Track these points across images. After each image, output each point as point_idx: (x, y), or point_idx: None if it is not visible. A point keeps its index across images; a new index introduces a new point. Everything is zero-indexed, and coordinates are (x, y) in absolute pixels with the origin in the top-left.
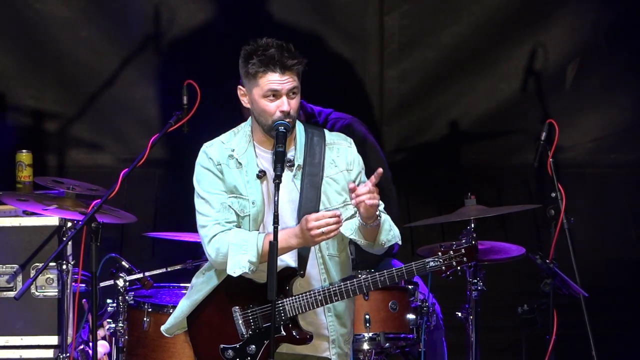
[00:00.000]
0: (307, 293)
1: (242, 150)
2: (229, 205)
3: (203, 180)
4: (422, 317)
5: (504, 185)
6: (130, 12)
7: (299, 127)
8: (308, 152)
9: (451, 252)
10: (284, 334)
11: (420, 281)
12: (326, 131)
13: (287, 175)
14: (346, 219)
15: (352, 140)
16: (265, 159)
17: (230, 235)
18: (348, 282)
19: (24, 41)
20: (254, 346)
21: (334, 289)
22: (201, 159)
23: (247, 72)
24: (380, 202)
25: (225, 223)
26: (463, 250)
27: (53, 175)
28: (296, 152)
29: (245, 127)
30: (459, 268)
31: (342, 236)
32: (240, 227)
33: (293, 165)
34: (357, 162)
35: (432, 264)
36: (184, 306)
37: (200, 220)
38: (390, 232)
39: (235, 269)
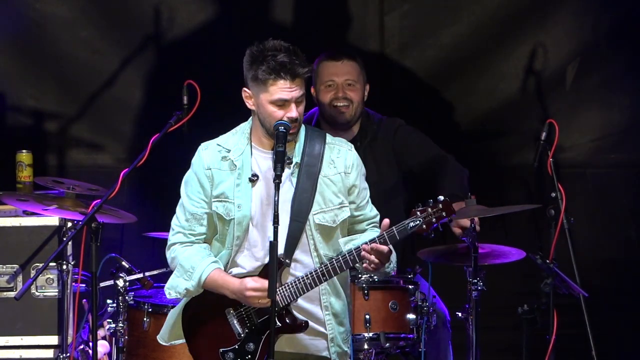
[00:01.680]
0: (296, 279)
1: (238, 152)
2: (201, 215)
3: (188, 182)
4: (422, 317)
5: (504, 185)
6: (130, 12)
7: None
8: (307, 151)
9: (429, 209)
10: (279, 324)
11: (422, 280)
12: (327, 134)
13: (284, 173)
14: (342, 220)
15: (352, 146)
16: (264, 159)
17: (185, 254)
18: (334, 259)
19: (24, 41)
20: (252, 344)
21: (320, 269)
22: (194, 161)
23: (256, 77)
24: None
25: (189, 235)
26: (440, 206)
27: (53, 175)
28: (295, 150)
29: (244, 127)
30: (439, 223)
31: (332, 235)
32: (226, 231)
33: (291, 163)
34: (355, 166)
35: (412, 224)
36: (173, 312)
37: (173, 220)
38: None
39: (170, 291)
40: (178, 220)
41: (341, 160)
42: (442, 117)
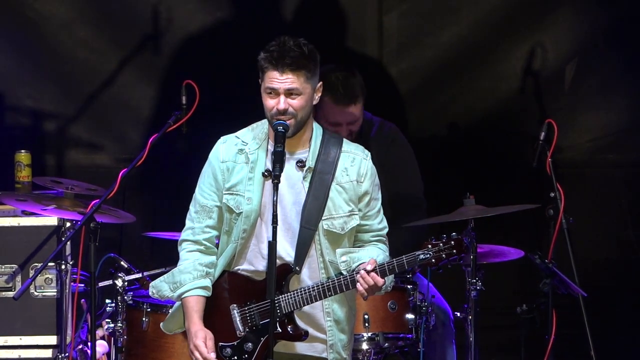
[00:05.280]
0: (302, 289)
1: (255, 146)
2: (210, 207)
3: (204, 173)
4: (421, 316)
5: (503, 185)
6: (128, 12)
7: (317, 131)
8: (321, 156)
9: (440, 244)
10: (279, 330)
11: (421, 280)
12: (345, 140)
13: (297, 175)
14: (351, 228)
15: (369, 154)
16: None
17: (183, 265)
18: (342, 277)
19: (23, 41)
20: (250, 344)
21: (327, 284)
22: (212, 153)
23: (258, 65)
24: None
25: (197, 230)
26: (452, 243)
27: (52, 175)
28: (309, 154)
29: (263, 123)
30: (448, 260)
31: (340, 242)
32: (234, 224)
33: (304, 166)
34: (369, 175)
35: (422, 256)
36: (178, 302)
37: (189, 209)
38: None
39: (153, 290)
40: (190, 213)
41: (355, 169)
42: (441, 117)
